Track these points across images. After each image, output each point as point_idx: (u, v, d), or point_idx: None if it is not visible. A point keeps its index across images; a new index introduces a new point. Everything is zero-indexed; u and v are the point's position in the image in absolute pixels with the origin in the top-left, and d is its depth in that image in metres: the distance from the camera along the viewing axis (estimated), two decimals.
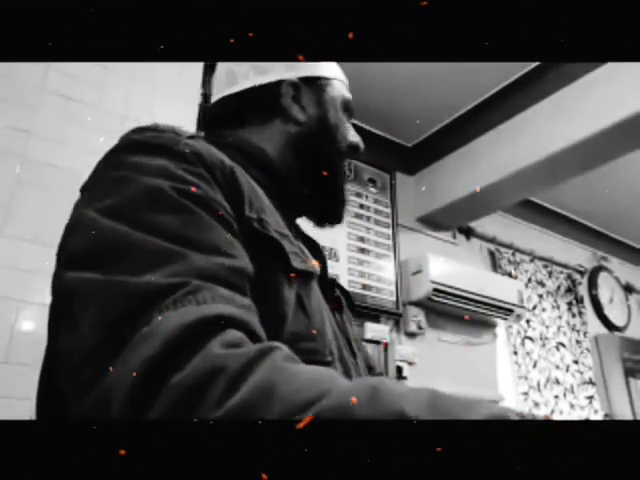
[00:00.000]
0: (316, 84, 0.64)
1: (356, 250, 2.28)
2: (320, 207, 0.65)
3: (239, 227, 0.44)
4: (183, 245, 0.37)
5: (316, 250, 0.62)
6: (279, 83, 0.62)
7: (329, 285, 0.60)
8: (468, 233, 2.82)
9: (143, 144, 0.44)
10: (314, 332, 0.46)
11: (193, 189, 0.41)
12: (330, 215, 0.66)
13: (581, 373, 2.93)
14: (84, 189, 0.44)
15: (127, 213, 0.38)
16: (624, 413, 2.95)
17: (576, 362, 2.94)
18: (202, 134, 0.53)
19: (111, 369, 0.32)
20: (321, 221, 0.66)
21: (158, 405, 0.30)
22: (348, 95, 0.68)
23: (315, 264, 0.53)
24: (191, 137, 0.47)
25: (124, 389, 0.31)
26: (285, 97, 0.62)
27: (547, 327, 2.89)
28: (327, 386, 0.30)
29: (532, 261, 3.02)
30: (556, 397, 2.72)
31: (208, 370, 0.30)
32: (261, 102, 0.62)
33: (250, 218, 0.45)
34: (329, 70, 0.66)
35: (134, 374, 0.31)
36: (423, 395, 0.29)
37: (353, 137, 0.66)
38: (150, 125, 0.47)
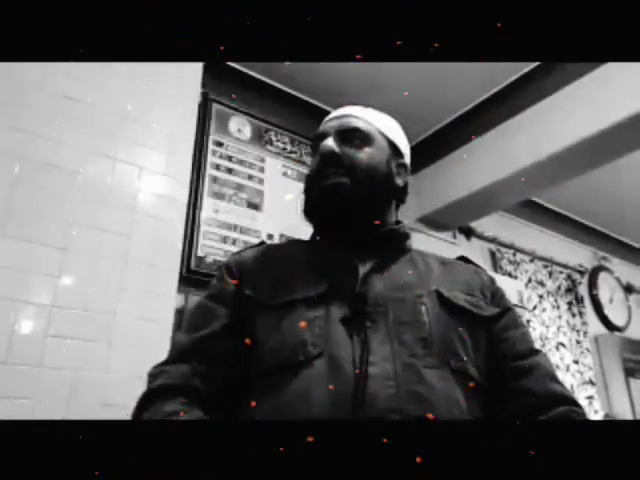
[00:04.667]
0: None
1: None
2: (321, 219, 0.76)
3: (238, 295, 0.68)
4: (181, 329, 0.70)
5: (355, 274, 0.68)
6: None
7: (358, 299, 0.64)
8: (468, 233, 2.82)
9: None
10: (280, 343, 0.61)
11: (212, 291, 0.71)
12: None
13: (581, 373, 2.93)
14: None
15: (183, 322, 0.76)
16: (624, 413, 2.95)
17: (576, 362, 2.94)
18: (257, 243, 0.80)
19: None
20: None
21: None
22: (314, 134, 0.79)
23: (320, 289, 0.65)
24: (236, 253, 0.75)
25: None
26: None
27: (547, 327, 2.89)
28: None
29: (532, 261, 3.02)
30: None
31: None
32: None
33: (242, 288, 0.69)
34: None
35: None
36: None
37: (316, 159, 0.75)
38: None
